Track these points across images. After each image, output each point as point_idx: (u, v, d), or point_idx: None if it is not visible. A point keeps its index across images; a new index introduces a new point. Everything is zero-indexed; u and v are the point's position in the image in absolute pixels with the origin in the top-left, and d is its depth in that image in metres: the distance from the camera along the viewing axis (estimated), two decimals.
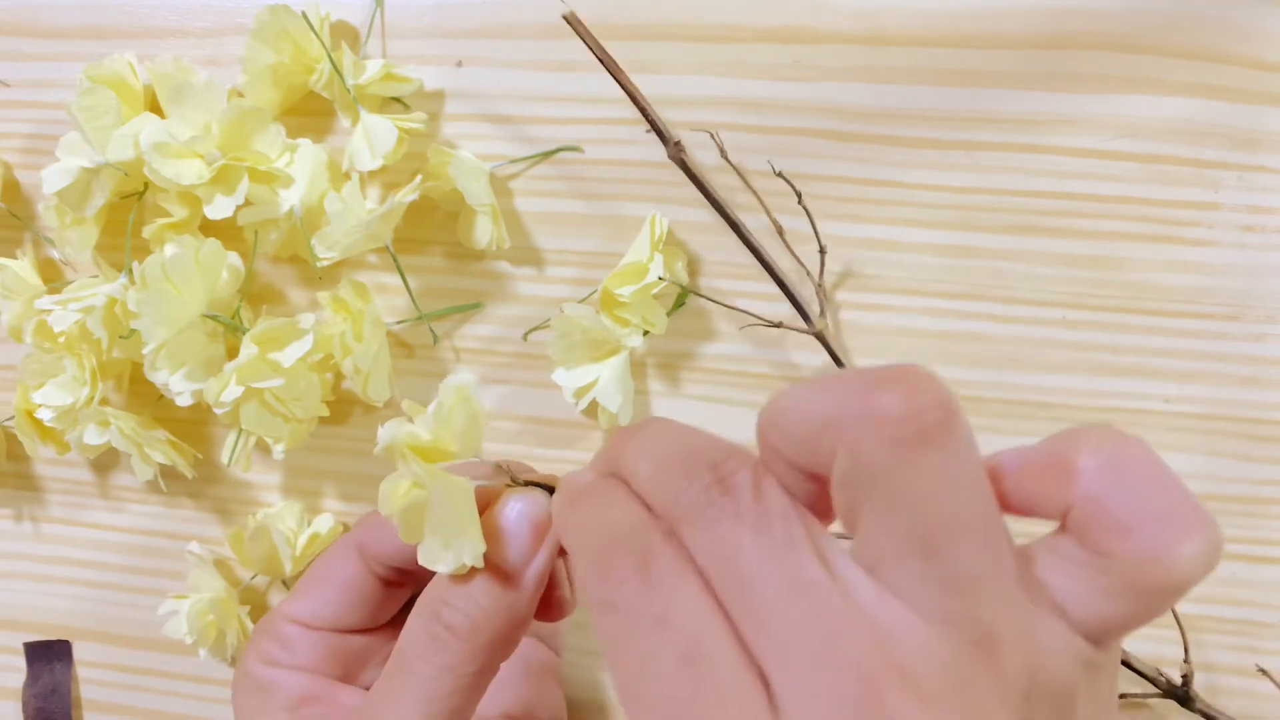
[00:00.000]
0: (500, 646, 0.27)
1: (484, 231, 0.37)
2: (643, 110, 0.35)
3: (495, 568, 0.26)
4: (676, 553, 0.21)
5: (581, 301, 0.38)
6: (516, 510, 0.27)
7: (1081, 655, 0.20)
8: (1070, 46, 0.35)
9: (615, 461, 0.24)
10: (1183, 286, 0.36)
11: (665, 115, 0.37)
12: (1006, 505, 0.21)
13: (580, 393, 0.37)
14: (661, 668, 0.20)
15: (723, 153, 0.36)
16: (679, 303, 0.38)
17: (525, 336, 0.39)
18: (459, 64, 0.38)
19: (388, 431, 0.25)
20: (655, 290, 0.35)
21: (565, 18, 0.34)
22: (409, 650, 0.27)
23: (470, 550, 0.25)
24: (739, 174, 0.37)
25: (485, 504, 0.27)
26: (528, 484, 0.27)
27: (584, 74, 0.37)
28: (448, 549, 0.25)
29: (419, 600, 0.27)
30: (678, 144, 0.35)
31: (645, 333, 0.36)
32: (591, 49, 0.34)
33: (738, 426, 0.38)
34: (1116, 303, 0.36)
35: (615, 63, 0.34)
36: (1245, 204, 0.35)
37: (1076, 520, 0.20)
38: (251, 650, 0.32)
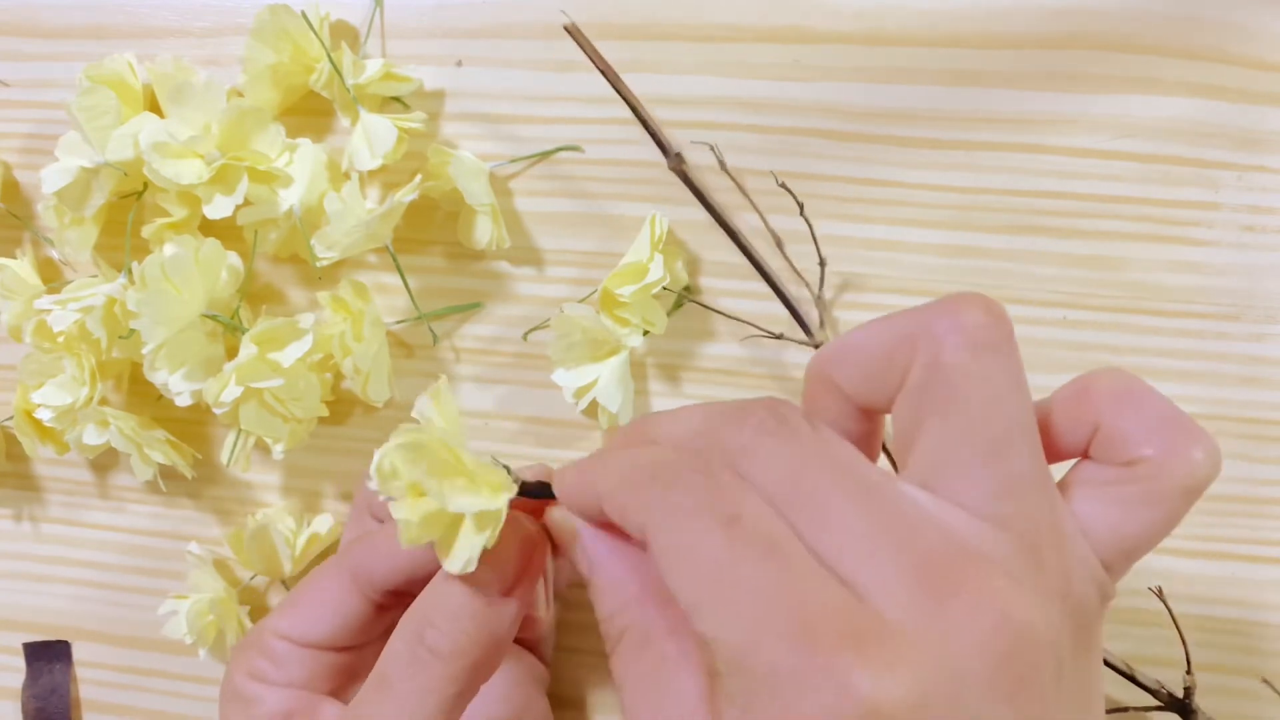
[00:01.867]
0: (482, 668, 0.27)
1: (484, 231, 0.37)
2: (643, 121, 0.35)
3: (480, 590, 0.26)
4: (734, 472, 0.22)
5: (581, 301, 0.38)
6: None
7: (1099, 580, 0.22)
8: (1070, 46, 0.35)
9: (645, 433, 0.25)
10: (1183, 286, 0.36)
11: (665, 115, 0.37)
12: (1043, 439, 0.22)
13: (580, 393, 0.37)
14: (742, 556, 0.20)
15: (722, 165, 0.36)
16: (679, 303, 0.38)
17: (525, 336, 0.39)
18: (459, 64, 0.38)
19: (379, 453, 0.24)
20: (655, 290, 0.35)
21: (566, 28, 0.34)
22: (391, 669, 0.27)
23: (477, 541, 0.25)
24: (739, 186, 0.37)
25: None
26: (524, 486, 0.27)
27: (583, 74, 0.37)
28: (459, 544, 0.25)
29: (403, 619, 0.27)
30: (678, 155, 0.35)
31: (645, 333, 0.36)
32: (593, 59, 0.34)
33: None
34: (1116, 303, 0.36)
35: (615, 73, 0.34)
36: (1245, 204, 0.35)
37: (1101, 438, 0.22)
38: (239, 664, 0.32)
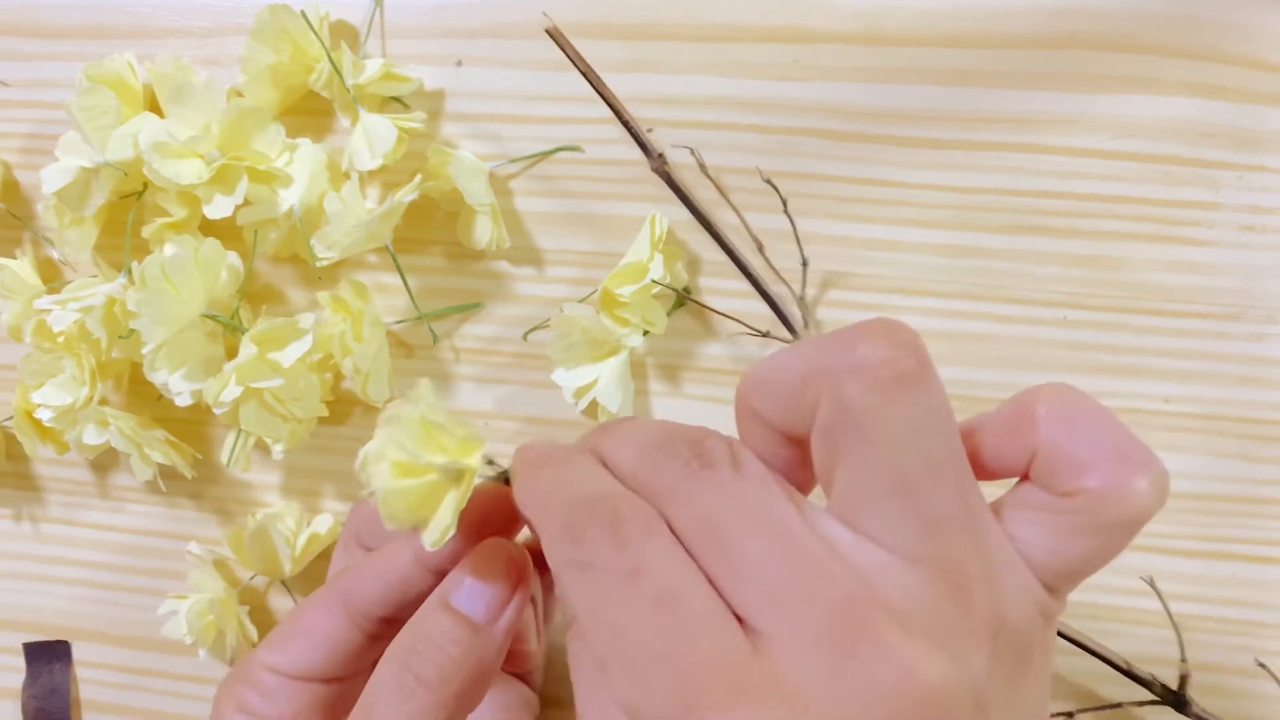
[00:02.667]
0: (469, 696, 0.27)
1: (484, 231, 0.37)
2: (625, 122, 0.35)
3: (466, 619, 0.26)
4: (646, 513, 0.22)
5: (581, 301, 0.38)
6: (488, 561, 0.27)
7: (1041, 603, 0.21)
8: (1070, 46, 0.35)
9: (590, 448, 0.25)
10: (1183, 286, 0.36)
11: (665, 115, 0.37)
12: (978, 462, 0.22)
13: (580, 393, 0.37)
14: (637, 615, 0.20)
15: (702, 167, 0.36)
16: (679, 303, 0.38)
17: (525, 336, 0.39)
18: (459, 64, 0.38)
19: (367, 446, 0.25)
20: (655, 290, 0.35)
21: (548, 31, 0.34)
22: (377, 698, 0.27)
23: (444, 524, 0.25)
24: (718, 187, 0.37)
25: (481, 499, 0.27)
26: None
27: None
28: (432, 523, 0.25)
29: (389, 647, 0.27)
30: (660, 156, 0.35)
31: (645, 333, 0.36)
32: (574, 61, 0.34)
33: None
34: (1116, 303, 0.36)
35: (597, 75, 0.34)
36: (1245, 204, 0.35)
37: (1040, 465, 0.21)
38: (227, 698, 0.31)
